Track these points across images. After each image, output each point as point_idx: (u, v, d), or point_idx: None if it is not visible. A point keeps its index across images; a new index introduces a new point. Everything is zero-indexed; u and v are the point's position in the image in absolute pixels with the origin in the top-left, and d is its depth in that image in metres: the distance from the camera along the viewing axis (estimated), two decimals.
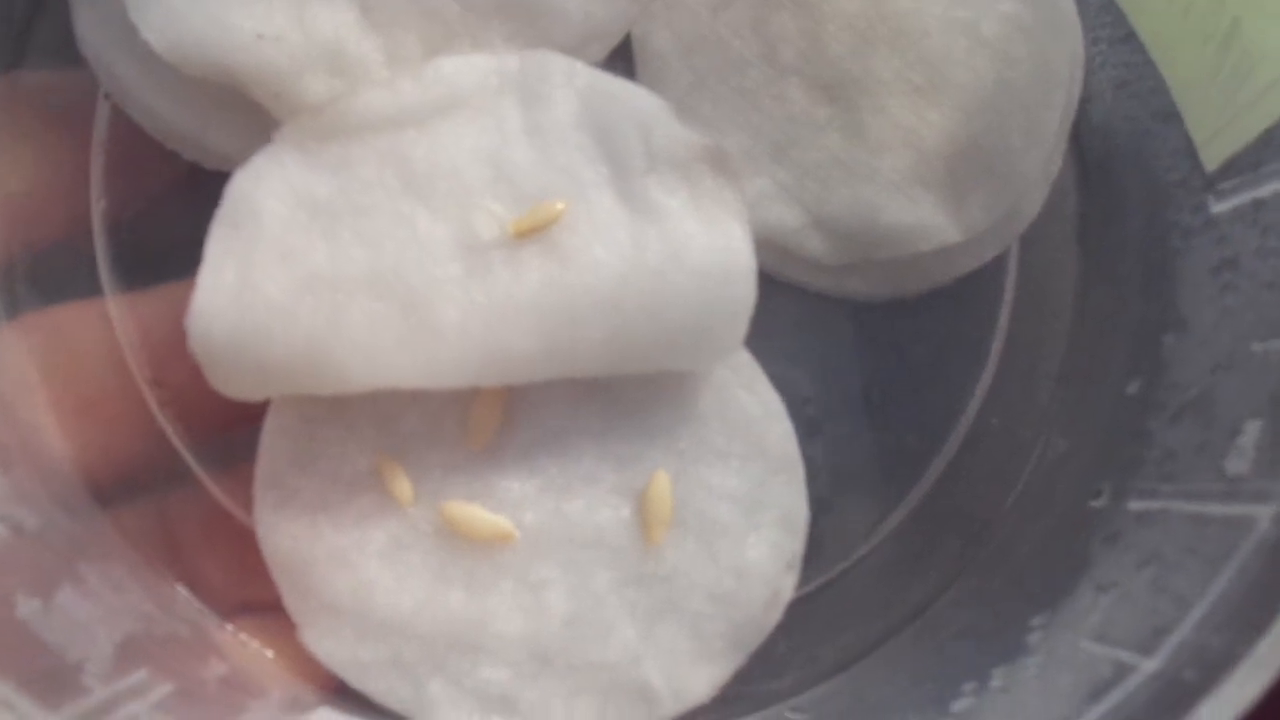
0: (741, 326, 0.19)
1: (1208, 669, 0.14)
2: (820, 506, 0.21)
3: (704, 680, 0.20)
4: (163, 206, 0.21)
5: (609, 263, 0.18)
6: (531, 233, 0.18)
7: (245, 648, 0.18)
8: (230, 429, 0.20)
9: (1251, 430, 0.17)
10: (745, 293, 0.19)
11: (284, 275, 0.18)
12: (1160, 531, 0.17)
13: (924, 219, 0.21)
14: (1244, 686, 0.14)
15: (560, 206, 0.18)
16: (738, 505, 0.20)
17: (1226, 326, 0.18)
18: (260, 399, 0.18)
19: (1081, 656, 0.16)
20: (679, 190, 0.19)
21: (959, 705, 0.17)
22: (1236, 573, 0.15)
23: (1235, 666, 0.14)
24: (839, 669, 0.21)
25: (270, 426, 0.19)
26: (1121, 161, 0.22)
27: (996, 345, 0.23)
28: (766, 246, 0.21)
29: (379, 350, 0.18)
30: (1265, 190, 0.18)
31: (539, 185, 0.19)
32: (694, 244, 0.18)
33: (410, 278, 0.18)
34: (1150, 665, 0.15)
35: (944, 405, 0.23)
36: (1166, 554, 0.17)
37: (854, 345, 0.22)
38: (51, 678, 0.13)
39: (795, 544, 0.20)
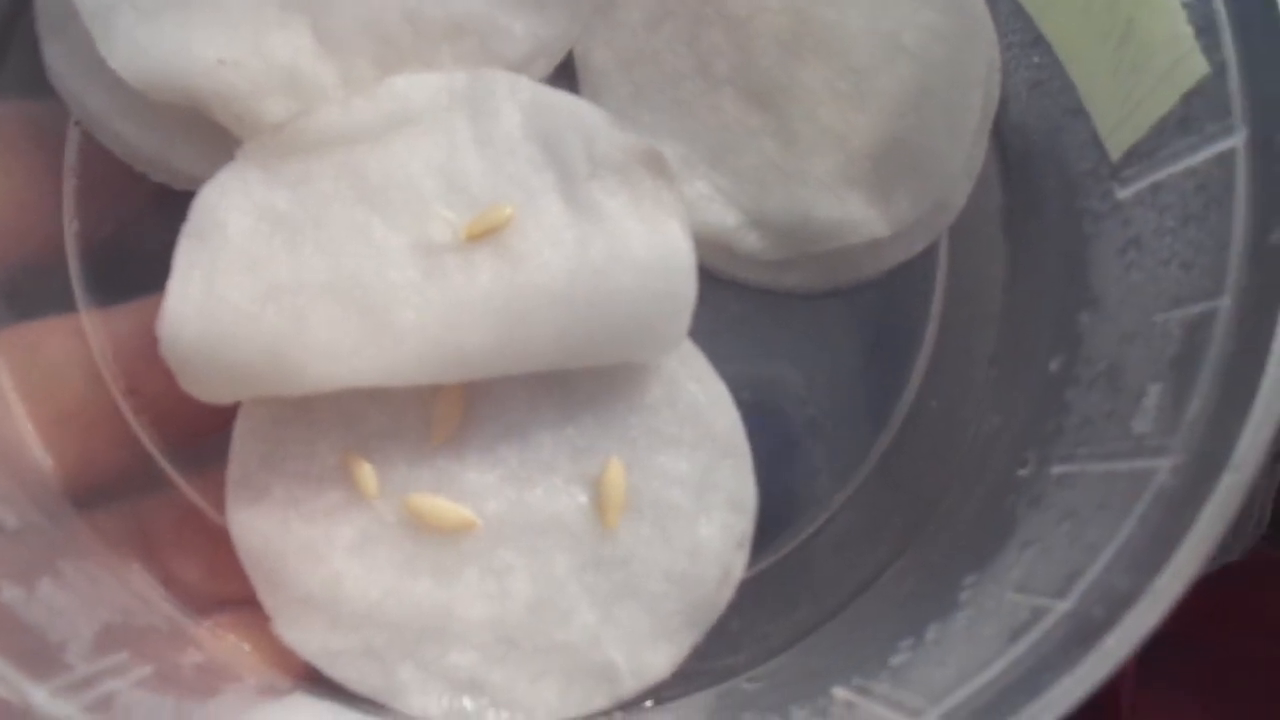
0: (684, 319, 0.20)
1: (1113, 605, 0.15)
2: (768, 489, 0.22)
3: (663, 658, 0.21)
4: (133, 226, 0.22)
5: (556, 262, 0.19)
6: (483, 236, 0.20)
7: (221, 640, 0.19)
8: (202, 434, 0.21)
9: (1154, 393, 0.18)
10: (686, 287, 0.20)
11: (248, 283, 0.19)
12: (1076, 491, 0.19)
13: (853, 214, 0.22)
14: (1144, 618, 0.15)
15: (509, 211, 0.20)
16: (688, 489, 0.21)
17: (1132, 301, 0.20)
18: (230, 402, 0.19)
19: (1005, 606, 0.17)
20: (620, 192, 0.20)
21: (896, 659, 0.18)
22: (1139, 520, 0.16)
23: (1137, 602, 0.15)
24: (791, 643, 0.22)
25: (240, 429, 0.20)
26: (1039, 156, 0.24)
27: (931, 332, 0.24)
28: (707, 245, 0.22)
29: (339, 352, 0.19)
30: (1162, 174, 0.20)
31: (489, 192, 0.20)
32: (635, 242, 0.20)
33: (368, 283, 0.19)
34: (1063, 606, 0.16)
35: (883, 390, 0.24)
36: (1081, 510, 0.18)
37: (795, 336, 0.24)
38: (36, 655, 0.14)
39: (745, 524, 0.21)
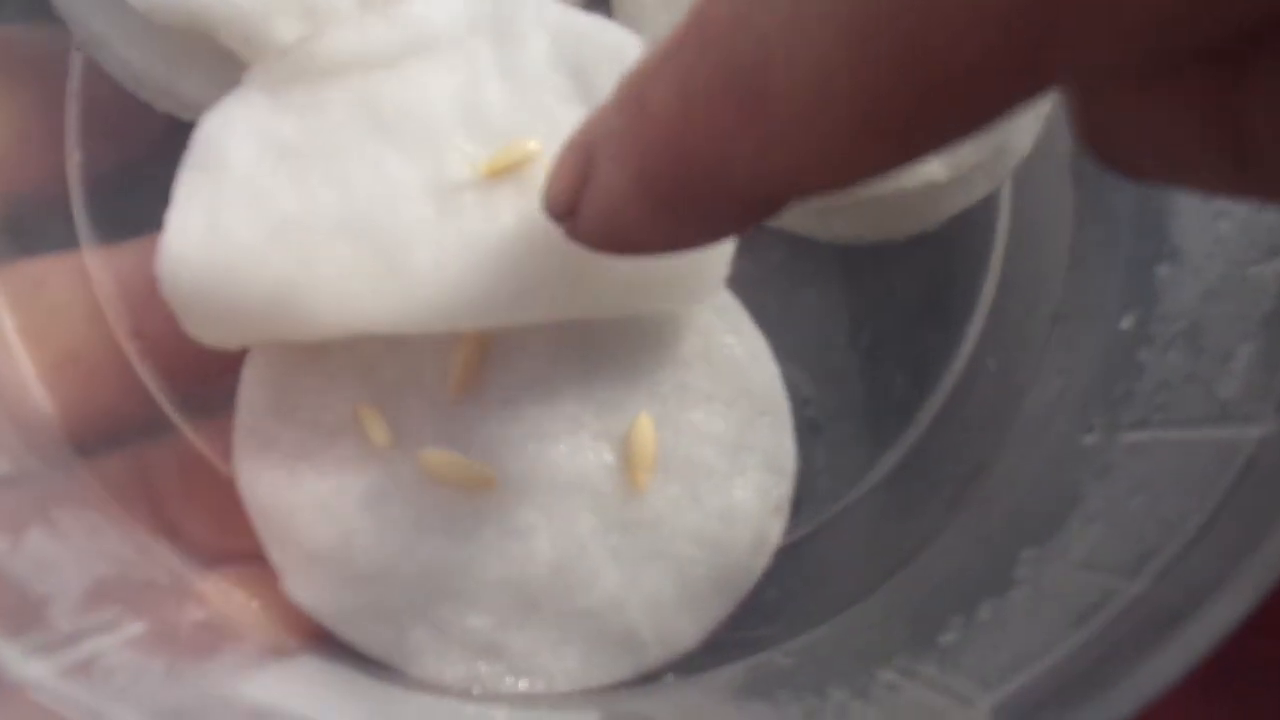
0: (722, 265, 0.19)
1: (1194, 591, 0.14)
2: (810, 451, 0.20)
3: (691, 627, 0.20)
4: (138, 160, 0.21)
5: None
6: (504, 172, 0.18)
7: (225, 596, 0.18)
8: (210, 379, 0.20)
9: (1243, 354, 0.16)
10: None
11: (253, 218, 0.17)
12: (1150, 460, 0.17)
13: None
14: (1231, 608, 0.13)
15: (533, 145, 0.18)
16: (723, 449, 0.20)
17: (1220, 253, 0.18)
18: (235, 346, 0.18)
19: (1068, 585, 0.16)
20: None
21: (946, 639, 0.17)
22: (1224, 495, 0.15)
23: (1222, 588, 0.13)
24: (831, 614, 0.21)
25: (249, 376, 0.19)
26: None
27: (989, 287, 0.22)
28: None
29: (350, 294, 0.18)
30: None
31: (511, 125, 0.18)
32: None
33: (381, 220, 0.18)
34: (1135, 588, 0.14)
35: (937, 348, 0.22)
36: (1155, 482, 0.16)
37: (841, 289, 0.22)
38: (13, 610, 0.13)
39: (782, 487, 0.20)
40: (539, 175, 0.18)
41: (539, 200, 0.18)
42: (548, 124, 0.18)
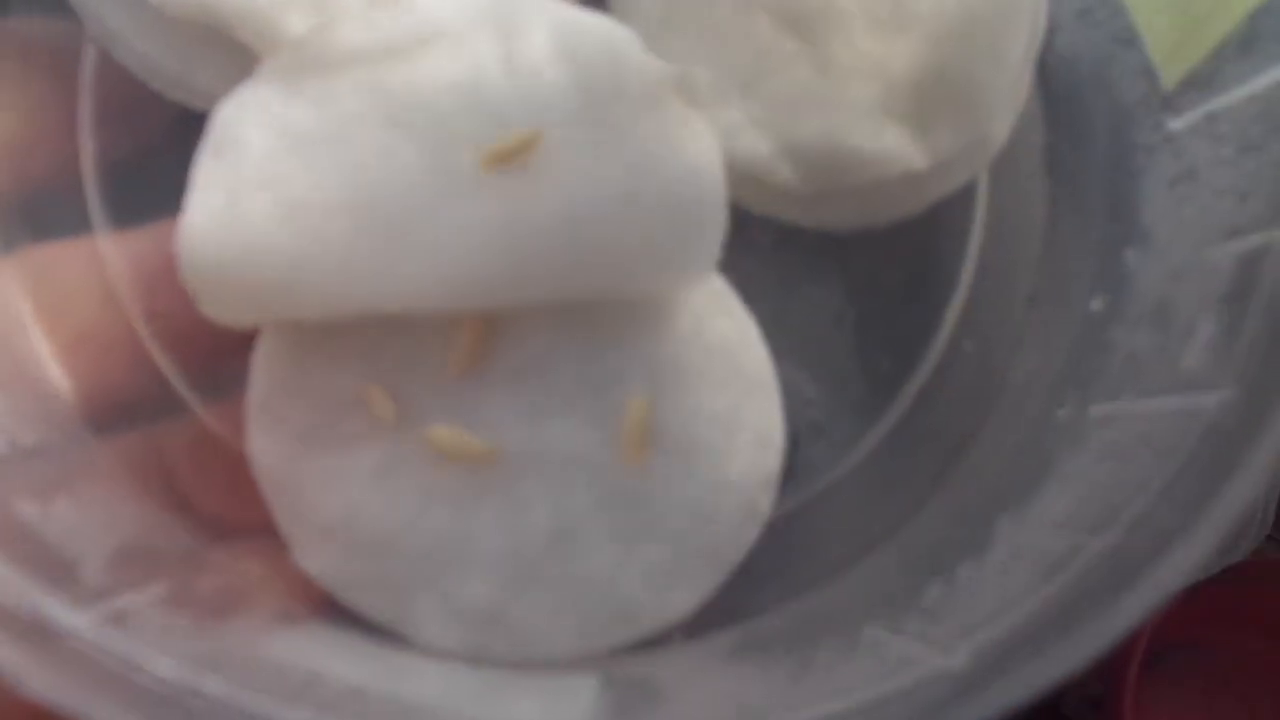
0: (714, 248, 0.19)
1: (1159, 539, 0.15)
2: (796, 428, 0.21)
3: (685, 596, 0.20)
4: (151, 149, 0.21)
5: (582, 187, 0.19)
6: (507, 160, 0.19)
7: (237, 566, 0.19)
8: (222, 359, 0.20)
9: (1204, 328, 0.17)
10: (715, 214, 0.19)
11: (268, 202, 0.18)
12: (1119, 430, 0.18)
13: (890, 145, 0.22)
14: (1193, 551, 0.14)
15: (534, 134, 0.19)
16: (715, 426, 0.21)
17: (1183, 236, 0.19)
18: (248, 324, 0.19)
19: (1041, 543, 0.16)
20: (648, 118, 0.19)
21: (928, 600, 0.17)
22: (1187, 456, 0.16)
23: (1186, 535, 0.14)
24: (819, 583, 0.21)
25: (260, 355, 0.20)
26: (1085, 88, 0.23)
27: (967, 272, 0.23)
28: (738, 177, 0.22)
29: (359, 274, 0.18)
30: (1218, 103, 0.19)
31: (514, 115, 0.19)
32: (664, 167, 0.19)
33: (389, 204, 0.19)
34: (1103, 542, 0.15)
35: (917, 331, 0.23)
36: (1124, 448, 0.17)
37: (826, 273, 0.23)
38: (52, 569, 0.14)
39: (772, 462, 0.21)
40: (539, 163, 0.19)
41: (540, 187, 0.19)
42: (548, 113, 0.19)
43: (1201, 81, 0.19)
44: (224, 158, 0.18)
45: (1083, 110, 0.23)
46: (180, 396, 0.21)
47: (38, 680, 0.12)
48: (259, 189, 0.18)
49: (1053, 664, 0.13)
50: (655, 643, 0.20)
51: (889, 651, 0.16)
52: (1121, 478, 0.16)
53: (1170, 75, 0.20)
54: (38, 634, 0.13)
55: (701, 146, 0.19)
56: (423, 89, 0.19)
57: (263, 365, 0.20)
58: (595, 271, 0.19)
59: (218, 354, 0.20)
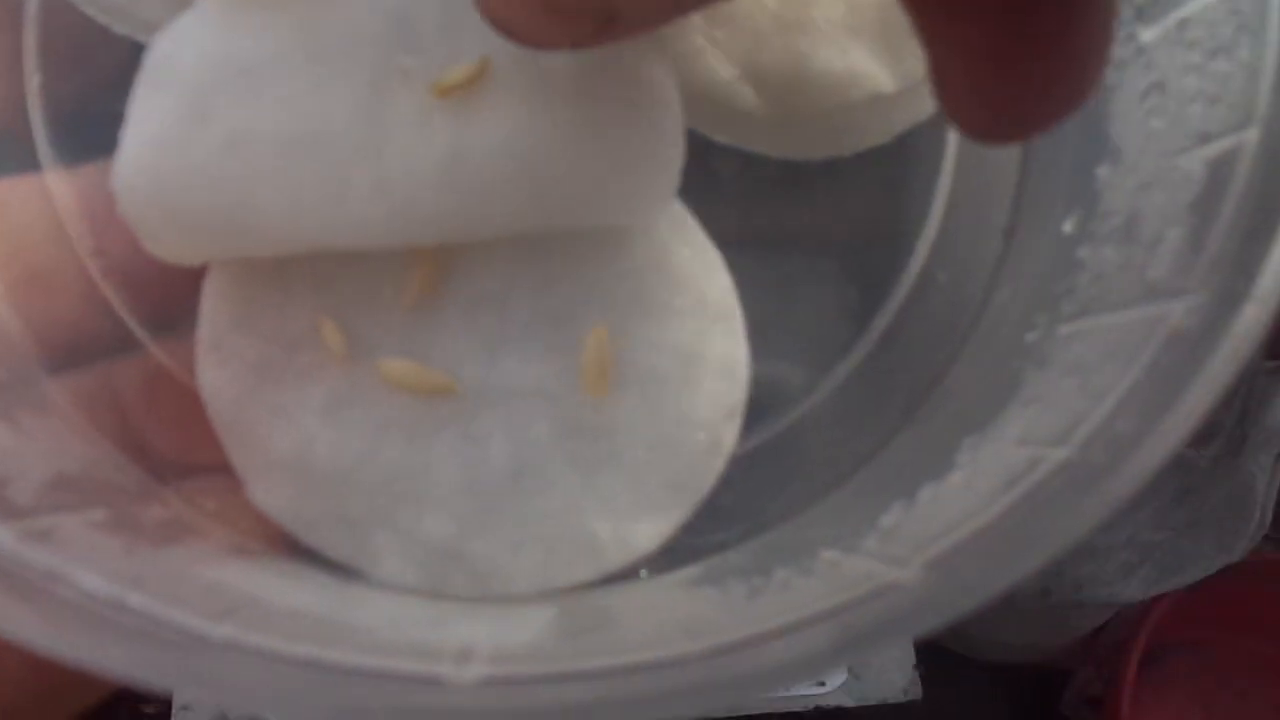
0: (672, 177, 0.19)
1: (1117, 449, 0.14)
2: (763, 362, 0.21)
3: (649, 530, 0.20)
4: (99, 84, 0.21)
5: (531, 117, 0.18)
6: (456, 91, 0.18)
7: (190, 502, 0.19)
8: (172, 296, 0.20)
9: (1172, 237, 0.17)
10: (673, 141, 0.19)
11: (205, 136, 0.18)
12: (1084, 345, 0.17)
13: (856, 66, 0.21)
14: (1149, 459, 0.14)
15: (483, 63, 0.18)
16: (678, 357, 0.20)
17: (1153, 148, 0.18)
18: (194, 262, 0.19)
19: (1002, 459, 0.16)
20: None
21: (887, 520, 0.17)
22: (1149, 364, 0.15)
23: (1142, 443, 0.14)
24: (786, 518, 0.21)
25: (209, 290, 0.20)
26: None
27: (940, 202, 0.23)
28: (700, 102, 0.21)
29: (303, 208, 0.18)
30: (1190, 7, 0.18)
31: (453, 45, 0.18)
32: (617, 94, 0.18)
33: (332, 138, 0.18)
34: (1062, 453, 0.15)
35: (888, 262, 0.23)
36: (1089, 363, 0.17)
37: (793, 203, 0.23)
38: None
39: (736, 393, 0.20)
40: (482, 93, 0.18)
41: (489, 117, 0.18)
42: (489, 41, 0.18)
43: None
44: (161, 89, 0.18)
45: None
46: (133, 334, 0.20)
47: None
48: (197, 121, 0.18)
49: (1002, 572, 0.13)
50: (618, 578, 0.20)
51: (845, 569, 0.16)
52: (1084, 390, 0.16)
53: None
54: None
55: (656, 71, 0.19)
56: (362, 21, 0.18)
57: (213, 301, 0.20)
58: (549, 203, 0.19)
59: (169, 290, 0.20)
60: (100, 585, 0.13)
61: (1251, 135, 0.16)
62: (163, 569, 0.15)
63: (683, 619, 0.17)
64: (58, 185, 0.20)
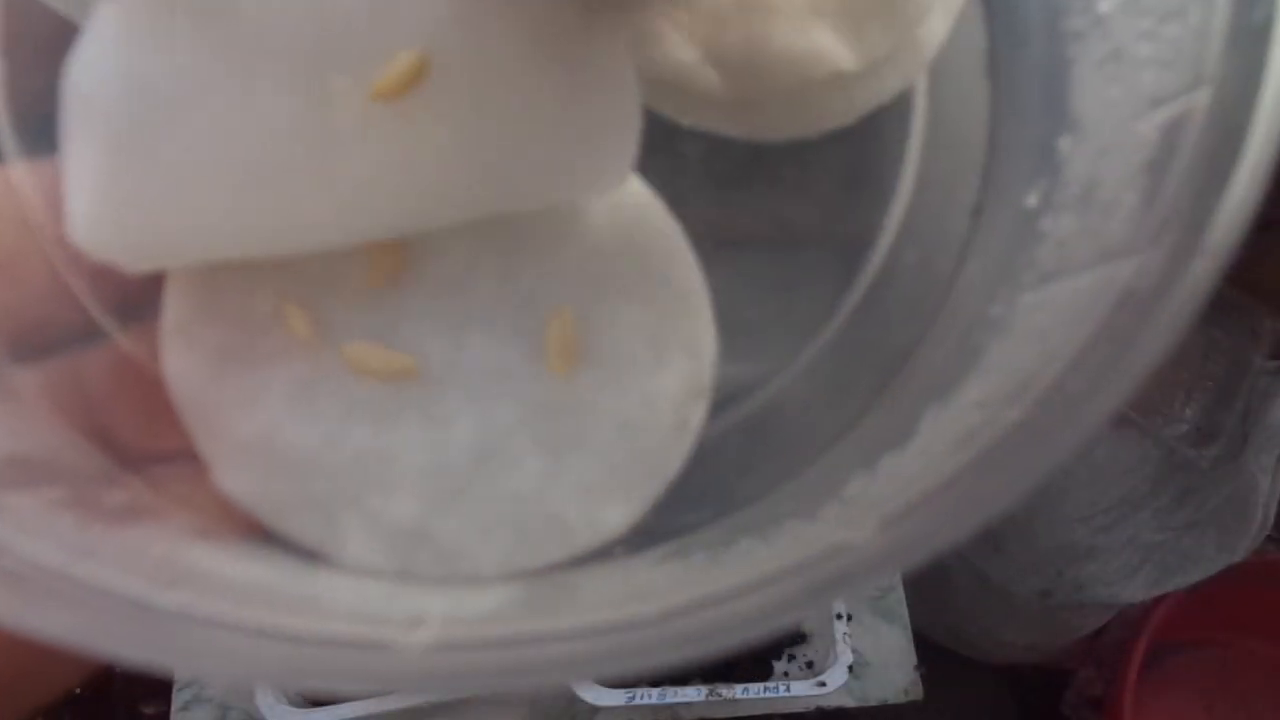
0: (627, 153, 0.19)
1: (1065, 407, 0.14)
2: (730, 344, 0.21)
3: (618, 511, 0.20)
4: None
5: (476, 110, 0.18)
6: (388, 96, 0.17)
7: (155, 489, 0.19)
8: (137, 284, 0.20)
9: (1127, 201, 0.17)
10: (627, 110, 0.18)
11: (145, 178, 0.17)
12: (1044, 312, 0.17)
13: (818, 45, 0.21)
14: (1095, 413, 0.14)
15: (421, 59, 0.17)
16: (643, 336, 0.20)
17: (1110, 115, 0.18)
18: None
19: (959, 423, 0.16)
20: (543, 20, 0.18)
21: (849, 491, 0.17)
22: (1102, 324, 0.15)
23: (1090, 399, 0.14)
24: (755, 499, 0.21)
25: (173, 277, 0.20)
26: None
27: (906, 182, 0.23)
28: (663, 87, 0.21)
29: (255, 230, 0.18)
30: None
31: (386, 37, 0.17)
32: (566, 74, 0.18)
33: (269, 155, 0.17)
34: (1013, 414, 0.15)
35: (855, 242, 0.23)
36: (1048, 329, 0.17)
37: (759, 185, 0.23)
38: None
39: (703, 372, 0.20)
40: (425, 86, 0.17)
41: (433, 111, 0.17)
42: (426, 30, 0.17)
43: None
44: (88, 133, 0.17)
45: (1019, 7, 0.22)
46: (97, 323, 0.21)
47: None
48: (132, 167, 0.17)
49: (949, 529, 0.13)
50: (588, 559, 0.20)
51: (803, 535, 0.16)
52: (1040, 352, 0.16)
53: None
54: None
55: (606, 47, 0.19)
56: (278, 24, 0.17)
57: (177, 287, 0.20)
58: (503, 188, 0.19)
59: (133, 279, 0.20)
60: (46, 554, 0.13)
61: (1201, 96, 0.16)
62: (115, 544, 0.15)
63: (641, 586, 0.17)
64: (20, 177, 0.20)
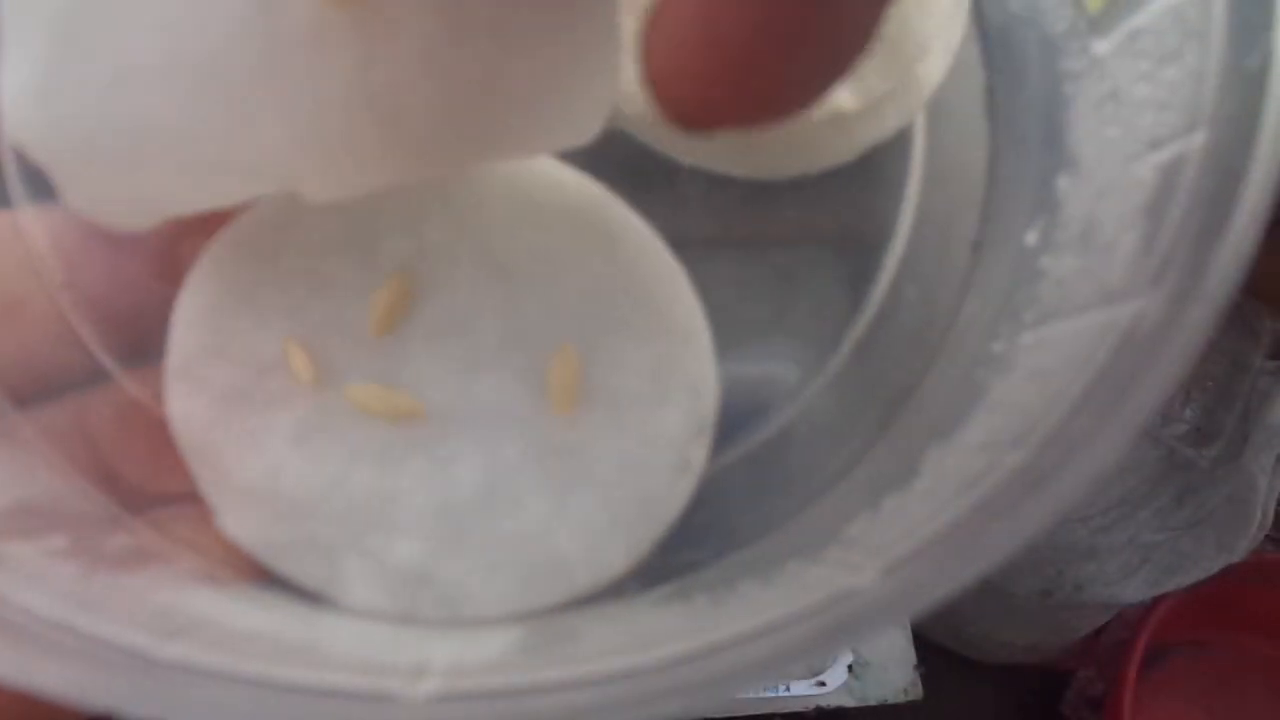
0: (611, 77, 0.17)
1: (1067, 450, 0.14)
2: (733, 381, 0.21)
3: (619, 550, 0.20)
4: None
5: (444, 23, 0.16)
6: (346, 4, 0.16)
7: (159, 531, 0.19)
8: (142, 328, 0.20)
9: (1126, 242, 0.17)
10: (609, 36, 0.17)
11: (89, 75, 0.16)
12: (1044, 351, 0.17)
13: None
14: (1097, 459, 0.14)
15: None
16: (644, 377, 0.20)
17: (1108, 156, 0.19)
18: (129, 221, 0.18)
19: (963, 466, 0.16)
20: None
21: (852, 531, 0.17)
22: (1102, 366, 0.15)
23: (1090, 443, 0.14)
24: (758, 537, 0.21)
25: (178, 320, 0.20)
26: (1017, 25, 0.22)
27: (906, 218, 0.23)
28: (661, 127, 0.21)
29: (205, 140, 0.17)
30: (1140, 18, 0.18)
31: None
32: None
33: (217, 65, 0.16)
34: (1017, 457, 0.15)
35: (856, 279, 0.23)
36: (1049, 369, 0.17)
37: (761, 223, 0.23)
38: None
39: (704, 411, 0.20)
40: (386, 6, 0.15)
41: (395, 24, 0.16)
42: None
43: (1124, 1, 0.19)
44: (28, 29, 0.16)
45: (1016, 47, 0.22)
46: (103, 366, 0.21)
47: None
48: (69, 54, 0.16)
49: (953, 575, 0.13)
50: (590, 599, 0.20)
51: (805, 579, 0.16)
52: (1042, 394, 0.16)
53: None
54: None
55: None
56: None
57: (181, 329, 0.20)
58: (474, 123, 0.17)
59: (139, 322, 0.20)
60: (46, 607, 0.13)
61: (1198, 138, 0.16)
62: (117, 593, 0.15)
63: (644, 632, 0.17)
64: (28, 221, 0.21)
